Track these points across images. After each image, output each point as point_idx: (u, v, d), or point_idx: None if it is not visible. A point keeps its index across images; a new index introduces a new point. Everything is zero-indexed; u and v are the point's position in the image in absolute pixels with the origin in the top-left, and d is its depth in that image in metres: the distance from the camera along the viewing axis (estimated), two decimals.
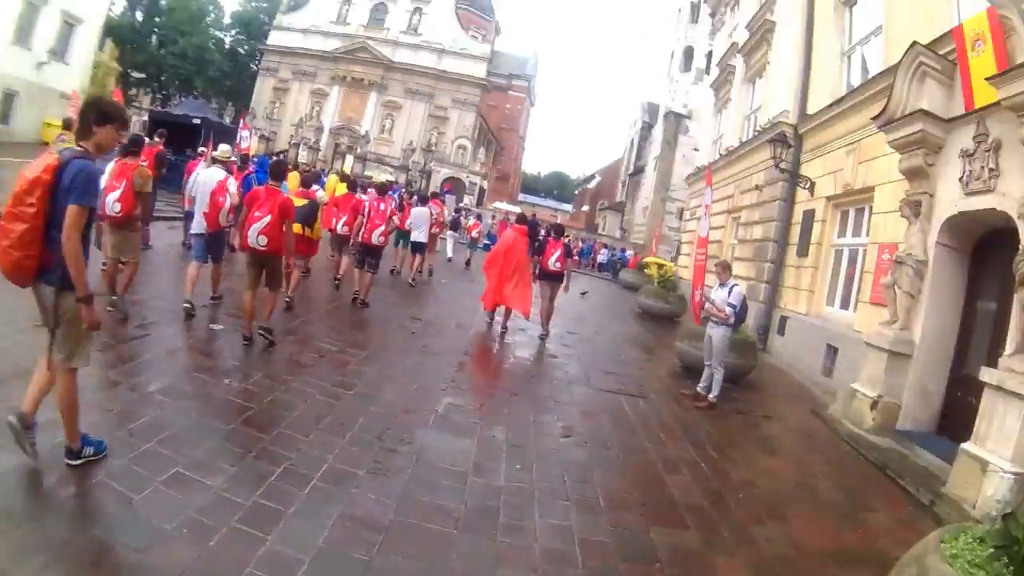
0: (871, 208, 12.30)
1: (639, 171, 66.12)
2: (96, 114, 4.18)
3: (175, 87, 65.25)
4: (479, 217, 34.39)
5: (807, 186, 14.96)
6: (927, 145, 9.48)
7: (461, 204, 46.18)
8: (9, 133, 30.06)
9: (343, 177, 18.31)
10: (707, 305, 9.91)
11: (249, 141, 24.51)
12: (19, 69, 30.13)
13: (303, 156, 52.25)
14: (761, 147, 17.56)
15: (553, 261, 12.68)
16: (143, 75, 60.82)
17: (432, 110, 64.89)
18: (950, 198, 9.23)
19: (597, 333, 15.10)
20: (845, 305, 13.21)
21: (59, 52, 32.96)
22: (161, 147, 13.28)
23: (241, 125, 26.72)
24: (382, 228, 11.94)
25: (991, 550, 3.65)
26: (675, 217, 47.38)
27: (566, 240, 14.55)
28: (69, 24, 33.58)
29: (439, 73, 64.84)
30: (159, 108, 48.84)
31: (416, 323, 11.83)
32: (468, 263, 24.33)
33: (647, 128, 67.69)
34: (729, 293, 9.67)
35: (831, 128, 14.37)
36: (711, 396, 9.69)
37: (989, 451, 6.79)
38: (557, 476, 5.90)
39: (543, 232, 15.63)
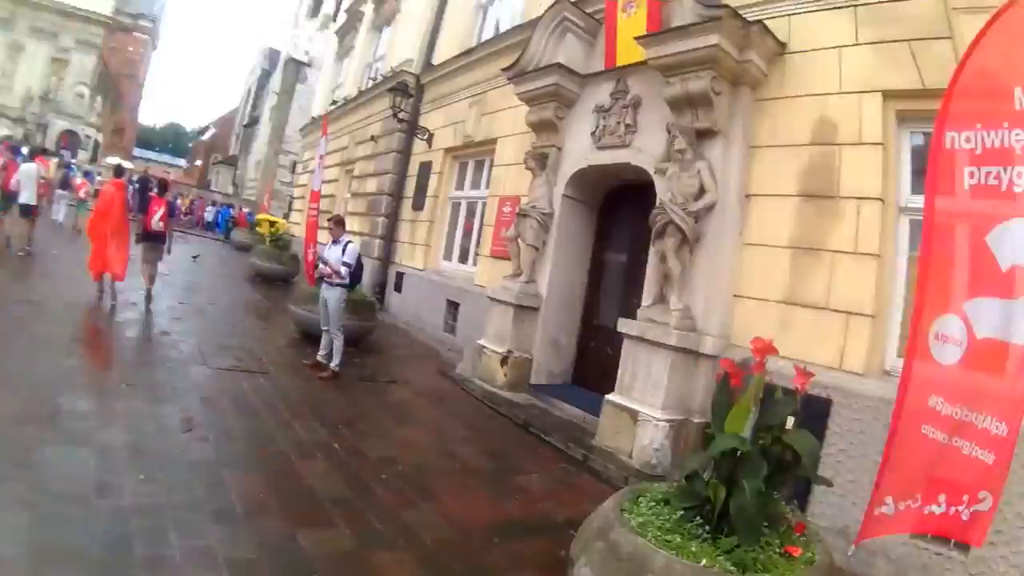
0: (492, 161, 11.82)
1: (254, 122, 61.20)
2: None
3: None
4: (87, 175, 30.26)
5: (425, 137, 14.15)
6: (560, 99, 9.25)
7: (72, 160, 40.49)
8: None
9: None
10: (320, 265, 9.00)
11: None
12: None
13: None
14: (380, 96, 16.49)
15: (156, 220, 11.36)
16: None
17: (55, 52, 55.57)
18: (580, 151, 9.06)
19: (211, 302, 13.20)
20: (464, 259, 12.73)
21: None
22: None
23: None
24: None
25: (681, 512, 3.50)
26: (288, 171, 45.65)
27: (170, 198, 13.24)
28: None
29: (63, 8, 54.75)
30: None
31: (22, 305, 9.66)
32: (76, 227, 19.55)
33: (265, 76, 62.67)
34: (343, 251, 8.82)
35: (456, 79, 13.64)
36: (333, 364, 8.71)
37: (637, 401, 6.68)
38: (186, 482, 4.90)
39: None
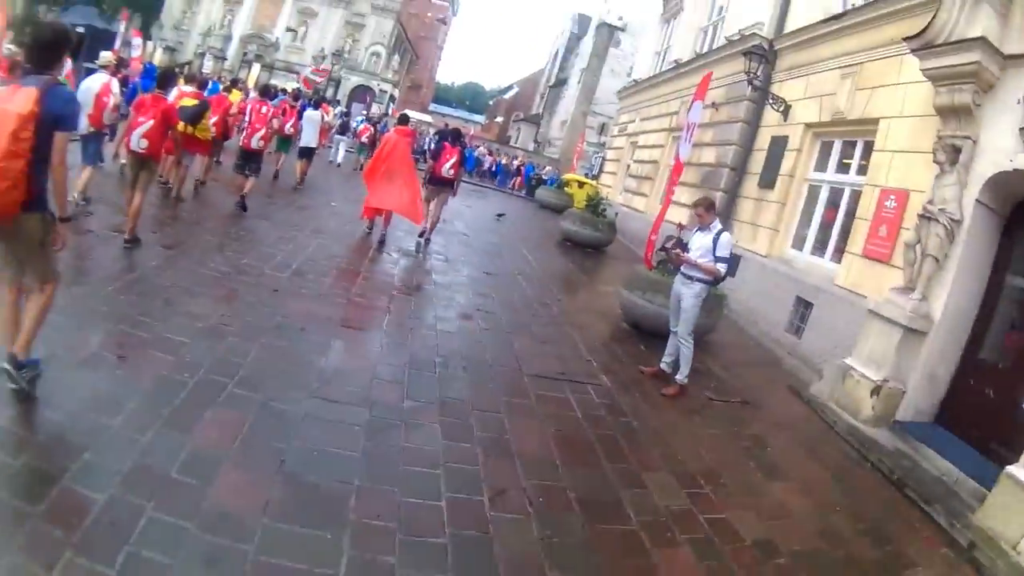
0: (869, 144, 10.13)
1: (561, 83, 62.76)
2: (67, 43, 4.20)
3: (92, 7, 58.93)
4: (370, 121, 31.55)
5: (781, 108, 12.65)
6: (980, 81, 7.41)
7: (365, 111, 42.56)
8: None
9: (233, 83, 18.15)
10: (685, 255, 7.44)
11: (140, 49, 23.61)
12: None
13: (208, 66, 48.16)
14: (722, 61, 15.32)
15: (447, 168, 11.86)
16: None
17: (349, 16, 59.96)
18: (1000, 150, 7.25)
19: (519, 272, 12.18)
20: (820, 251, 11.19)
21: None
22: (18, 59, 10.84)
23: (132, 32, 25.94)
24: (262, 132, 11.67)
25: None
26: (595, 132, 45.44)
27: (464, 147, 13.42)
28: None
29: None
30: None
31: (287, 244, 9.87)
32: (359, 168, 21.05)
33: (575, 39, 63.67)
34: (715, 242, 7.23)
35: (819, 47, 12.03)
36: (679, 377, 7.32)
37: None
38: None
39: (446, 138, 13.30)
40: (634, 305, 9.27)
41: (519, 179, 38.99)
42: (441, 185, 12.07)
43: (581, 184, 28.47)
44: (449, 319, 8.07)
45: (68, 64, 8.23)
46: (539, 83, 79.89)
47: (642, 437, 5.93)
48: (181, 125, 10.07)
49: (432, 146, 16.06)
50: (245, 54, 57.08)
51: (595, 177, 31.81)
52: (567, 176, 30.53)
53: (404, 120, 13.10)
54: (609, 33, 47.43)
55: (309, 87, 24.80)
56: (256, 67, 50.87)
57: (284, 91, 23.48)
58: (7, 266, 4.14)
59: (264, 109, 11.93)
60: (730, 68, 14.04)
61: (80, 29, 22.61)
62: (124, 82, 12.70)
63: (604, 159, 32.06)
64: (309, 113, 16.53)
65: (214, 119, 11.76)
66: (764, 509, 5.22)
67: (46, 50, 4.06)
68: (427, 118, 57.04)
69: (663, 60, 23.13)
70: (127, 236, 7.75)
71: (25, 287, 4.20)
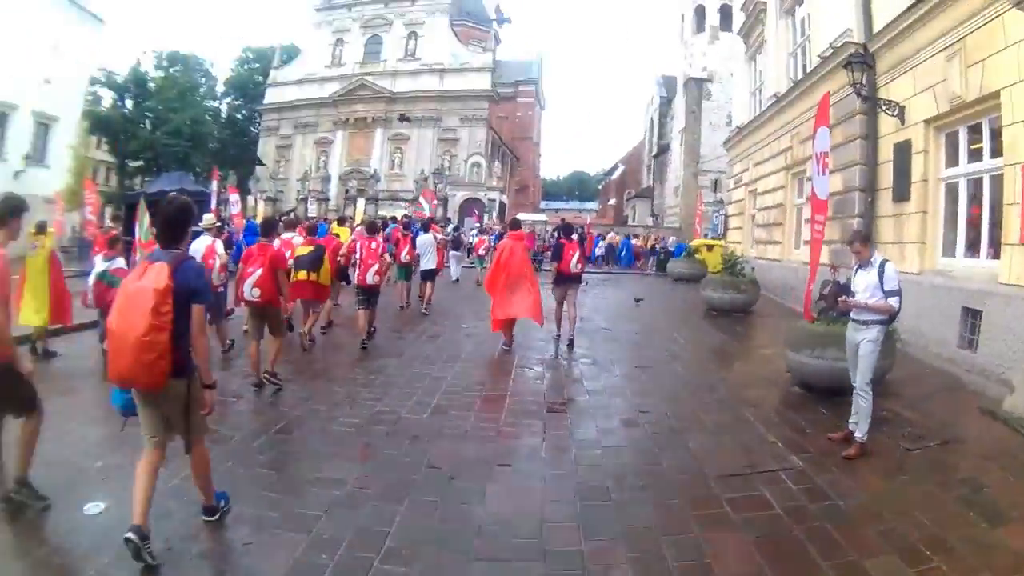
0: (996, 120, 9.30)
1: (663, 151, 62.71)
2: (191, 216, 4.74)
3: (174, 168, 63.71)
4: (483, 231, 31.72)
5: (895, 112, 11.92)
6: None
7: (477, 224, 43.27)
8: None
9: (341, 221, 19.45)
10: (853, 300, 6.80)
11: (239, 205, 24.62)
12: None
13: (313, 209, 50.57)
14: (821, 81, 14.96)
15: (574, 263, 11.91)
16: (140, 162, 58.90)
17: (441, 133, 62.86)
18: None
19: (672, 357, 11.68)
20: (973, 252, 10.26)
21: (37, 156, 31.29)
22: (114, 232, 11.89)
23: (228, 189, 27.23)
24: (375, 267, 11.65)
25: None
26: (710, 191, 44.60)
27: (577, 238, 13.41)
28: (43, 125, 31.90)
29: (443, 94, 62.66)
30: (131, 191, 47.19)
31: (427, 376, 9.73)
32: (479, 282, 21.16)
33: (666, 103, 63.89)
34: (880, 276, 6.60)
35: (917, 34, 11.36)
36: (858, 436, 6.62)
37: None
38: None
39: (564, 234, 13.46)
40: (803, 365, 8.64)
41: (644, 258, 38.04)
42: (569, 282, 12.14)
43: (710, 247, 27.81)
44: (612, 430, 7.50)
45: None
46: (643, 155, 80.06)
47: (853, 517, 5.26)
48: (303, 273, 10.97)
49: (552, 244, 16.70)
50: (347, 191, 60.19)
51: (722, 236, 30.77)
52: (695, 243, 29.79)
53: (516, 225, 13.56)
54: (698, 87, 47.58)
55: (422, 216, 25.31)
56: (360, 201, 52.87)
57: (393, 219, 24.59)
58: (155, 429, 4.45)
59: (373, 244, 11.95)
60: (831, 85, 13.56)
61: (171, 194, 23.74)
62: (228, 242, 13.46)
63: (726, 216, 31.19)
64: (422, 238, 17.06)
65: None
66: (999, 567, 4.51)
67: (173, 226, 4.53)
68: (541, 217, 57.87)
69: (760, 99, 22.77)
70: (254, 379, 8.61)
71: (160, 449, 4.51)
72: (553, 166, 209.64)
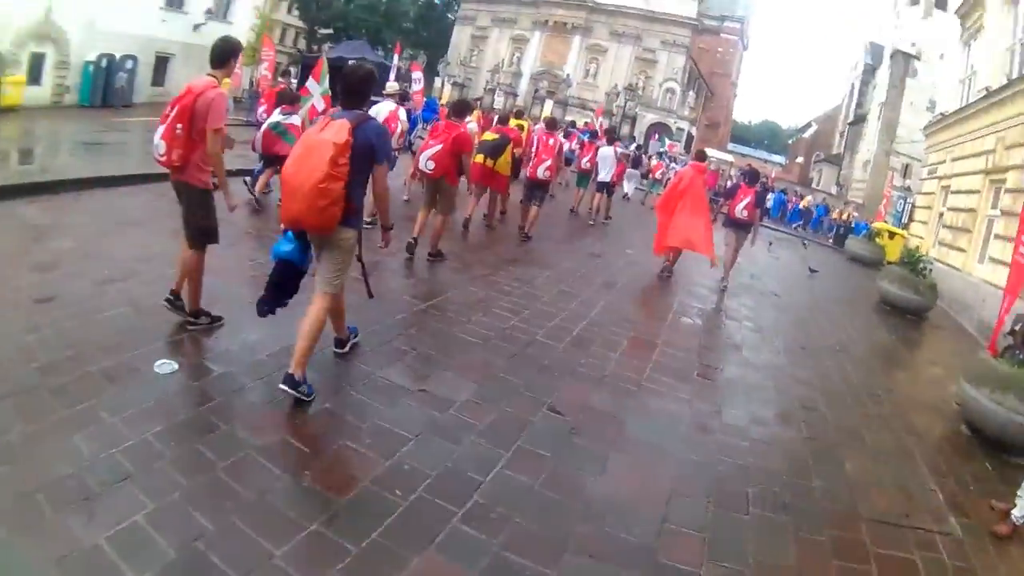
0: None
1: (860, 120, 59.21)
2: (373, 82, 5.03)
3: (363, 39, 64.78)
4: (662, 156, 30.95)
5: None
6: None
7: (661, 148, 42.40)
8: (164, 94, 27.70)
9: (519, 114, 18.15)
10: None
11: (420, 83, 23.46)
12: (172, 33, 29.29)
13: (499, 102, 50.66)
14: None
15: (740, 208, 11.66)
16: (330, 31, 59.79)
17: (639, 53, 61.99)
18: None
19: (838, 347, 10.32)
20: None
21: (218, 12, 31.98)
22: (283, 86, 13.40)
23: (412, 67, 26.45)
24: (548, 162, 11.84)
25: None
26: (899, 175, 41.87)
27: (759, 188, 13.30)
28: None
29: (647, 13, 61.27)
30: (308, 52, 49.14)
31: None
32: (644, 203, 22.02)
33: (870, 71, 60.22)
34: None
35: None
36: (1016, 515, 5.26)
37: None
38: None
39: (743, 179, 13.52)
40: (976, 403, 7.32)
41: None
42: (734, 226, 11.96)
43: (892, 235, 26.09)
44: (765, 420, 6.50)
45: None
46: (837, 120, 76.11)
47: None
48: (480, 158, 10.94)
49: (728, 185, 16.16)
50: (536, 90, 60.70)
51: (905, 226, 28.99)
52: (877, 225, 28.15)
53: (701, 156, 13.27)
54: (905, 61, 44.29)
55: (592, 127, 25.42)
56: (549, 103, 53.19)
57: (573, 125, 24.47)
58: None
59: (551, 141, 12.18)
60: None
61: (351, 62, 23.84)
62: (408, 115, 13.63)
63: (913, 205, 29.18)
64: (604, 150, 17.24)
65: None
66: None
67: (356, 89, 4.84)
68: (728, 156, 55.97)
69: (969, 89, 21.04)
70: (430, 251, 9.09)
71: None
72: (747, 111, 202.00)
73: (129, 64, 26.67)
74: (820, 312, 13.44)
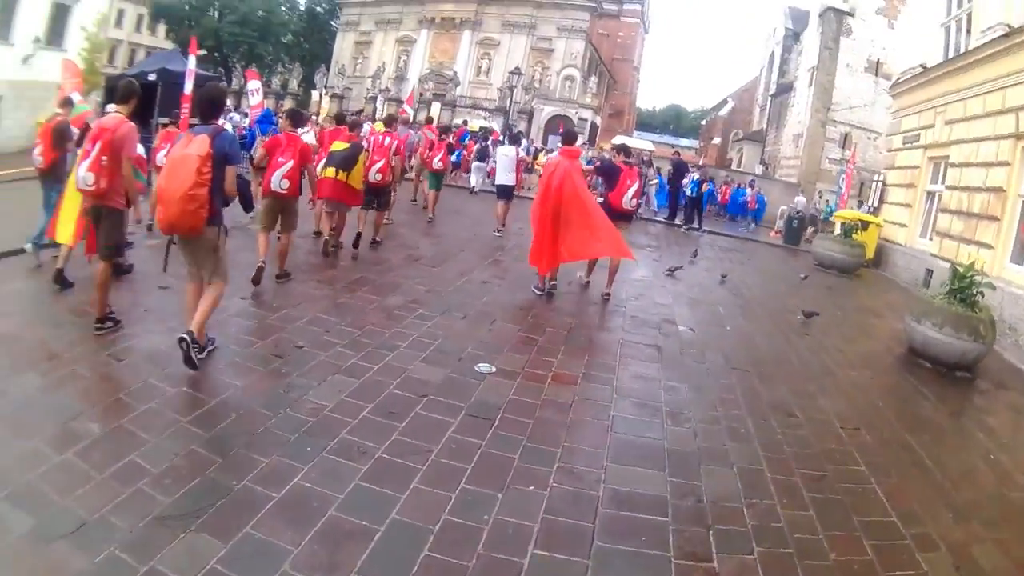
0: None
1: (785, 90, 54.29)
2: (225, 98, 6.69)
3: (237, 57, 62.01)
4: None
5: None
6: None
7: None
8: None
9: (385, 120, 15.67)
10: None
11: (259, 95, 20.97)
12: None
13: (382, 110, 45.66)
14: None
15: (628, 198, 10.07)
16: (202, 51, 55.33)
17: (535, 43, 57.99)
18: None
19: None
20: None
21: (52, 39, 28.42)
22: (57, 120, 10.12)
23: (245, 74, 26.28)
24: (379, 164, 10.90)
25: None
26: (836, 145, 37.12)
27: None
28: (63, 5, 28.77)
29: (541, 1, 56.92)
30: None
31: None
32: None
33: (792, 36, 55.97)
34: None
35: None
36: None
37: None
38: None
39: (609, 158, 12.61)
40: None
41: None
42: (620, 219, 10.02)
43: (865, 225, 19.57)
44: None
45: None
46: (755, 94, 71.98)
47: None
48: (332, 171, 10.07)
49: (601, 166, 12.49)
50: (422, 94, 55.19)
51: (874, 211, 22.37)
52: (844, 213, 21.36)
53: (571, 138, 10.74)
54: (837, 19, 39.24)
55: (405, 114, 22.45)
56: (436, 105, 48.97)
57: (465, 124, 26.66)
58: (193, 267, 5.88)
59: (387, 140, 11.54)
60: None
61: (151, 77, 20.45)
62: (241, 137, 13.44)
63: (882, 183, 22.72)
64: (503, 149, 16.84)
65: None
66: None
67: (211, 106, 5.93)
68: (646, 144, 50.93)
69: (959, 33, 16.88)
70: (277, 271, 8.68)
71: (202, 282, 5.88)
72: (649, 97, 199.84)
73: None
74: (830, 392, 7.61)
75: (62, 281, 7.58)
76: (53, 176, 9.15)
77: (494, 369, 6.41)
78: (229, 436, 4.70)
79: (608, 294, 10.07)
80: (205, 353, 5.88)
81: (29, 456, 4.32)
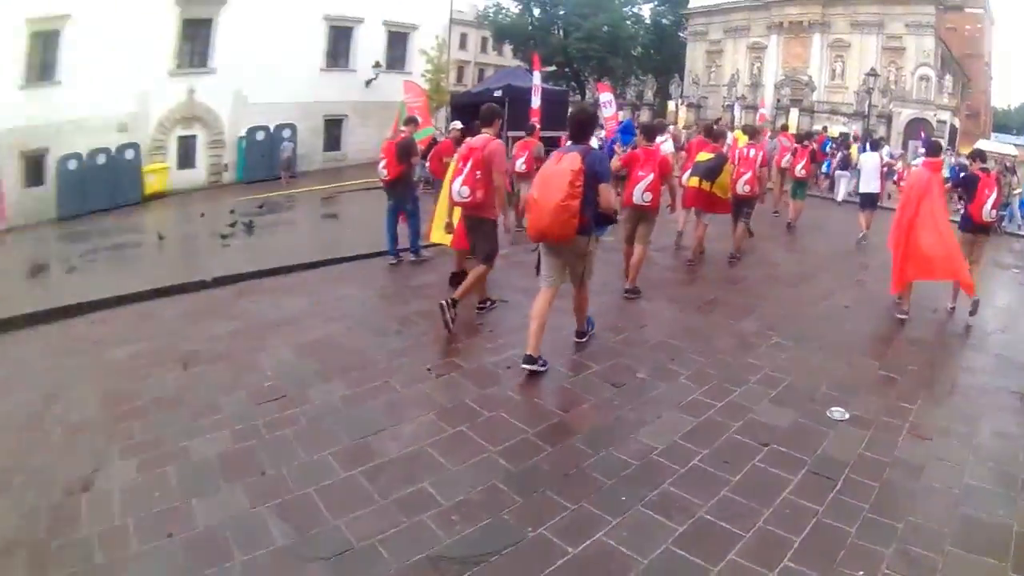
0: None
1: None
2: (596, 120, 8.43)
3: (588, 71, 64.04)
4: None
5: None
6: None
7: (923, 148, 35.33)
8: (341, 158, 29.54)
9: (745, 130, 17.21)
10: None
11: (612, 107, 21.12)
12: (341, 94, 29.19)
13: (740, 118, 46.54)
14: None
15: (988, 209, 8.85)
16: (552, 67, 58.15)
17: (884, 42, 54.34)
18: None
19: None
20: None
21: (393, 63, 31.61)
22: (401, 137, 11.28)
23: (597, 87, 25.08)
24: (747, 176, 10.99)
25: None
26: None
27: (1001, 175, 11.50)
28: (399, 33, 32.36)
29: None
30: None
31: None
32: None
33: None
34: None
35: None
36: None
37: None
38: None
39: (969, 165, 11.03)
40: None
41: None
42: (977, 232, 9.18)
43: None
44: None
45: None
46: None
47: None
48: (696, 180, 10.63)
49: (958, 178, 11.50)
50: (779, 100, 54.92)
51: None
52: None
53: (935, 149, 10.77)
54: None
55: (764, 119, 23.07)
56: (794, 112, 49.73)
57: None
58: (556, 274, 6.13)
59: (751, 152, 11.61)
60: None
61: (497, 93, 22.40)
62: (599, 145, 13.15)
63: None
64: (865, 156, 15.79)
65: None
66: None
67: (582, 127, 6.27)
68: (1010, 150, 44.65)
69: None
70: (627, 286, 8.83)
71: (555, 288, 6.17)
72: (1003, 94, 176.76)
73: (287, 133, 25.42)
74: None
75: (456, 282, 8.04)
76: (401, 186, 10.44)
77: (848, 416, 5.55)
78: (537, 473, 4.41)
79: (953, 308, 8.97)
80: (586, 338, 6.78)
81: (313, 468, 4.38)
